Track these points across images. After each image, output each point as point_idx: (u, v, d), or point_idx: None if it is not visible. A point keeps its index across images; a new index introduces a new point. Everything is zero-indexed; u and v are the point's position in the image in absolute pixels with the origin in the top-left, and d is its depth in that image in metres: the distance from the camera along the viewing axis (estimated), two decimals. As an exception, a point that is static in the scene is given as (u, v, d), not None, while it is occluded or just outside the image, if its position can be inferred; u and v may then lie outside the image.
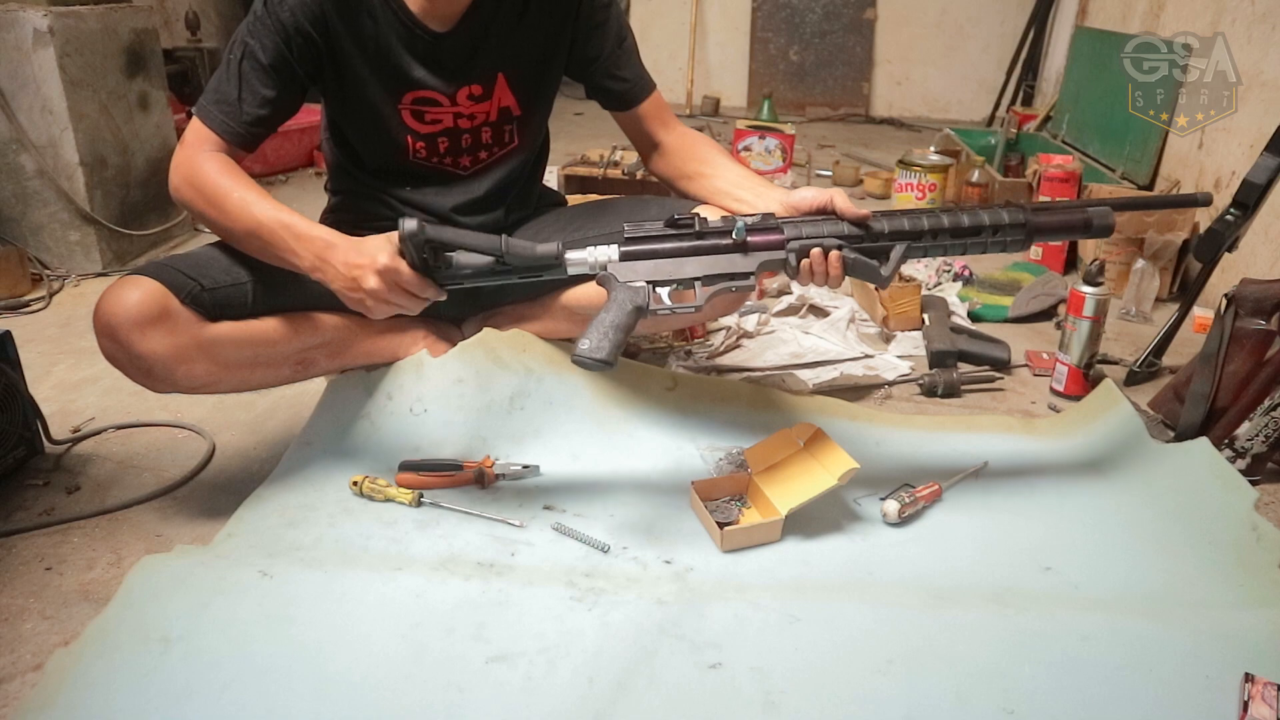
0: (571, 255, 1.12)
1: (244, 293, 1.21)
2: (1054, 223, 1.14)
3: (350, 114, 1.29)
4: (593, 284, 1.34)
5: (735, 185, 1.30)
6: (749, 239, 1.13)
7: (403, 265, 1.09)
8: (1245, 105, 2.02)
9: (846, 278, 1.15)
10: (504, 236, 1.11)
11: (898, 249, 1.12)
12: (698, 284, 1.12)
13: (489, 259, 1.11)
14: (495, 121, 1.33)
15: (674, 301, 1.13)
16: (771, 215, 1.16)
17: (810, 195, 1.18)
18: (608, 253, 1.13)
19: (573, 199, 1.68)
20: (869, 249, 1.13)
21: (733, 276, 1.13)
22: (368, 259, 1.09)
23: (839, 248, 1.12)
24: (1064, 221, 1.14)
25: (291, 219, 1.13)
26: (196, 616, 1.01)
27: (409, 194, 1.34)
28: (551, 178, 2.56)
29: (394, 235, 1.09)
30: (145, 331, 1.11)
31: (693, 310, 1.13)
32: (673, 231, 1.14)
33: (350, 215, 1.39)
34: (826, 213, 1.17)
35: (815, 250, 1.12)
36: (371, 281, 1.09)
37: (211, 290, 1.18)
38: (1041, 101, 4.05)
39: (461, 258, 1.10)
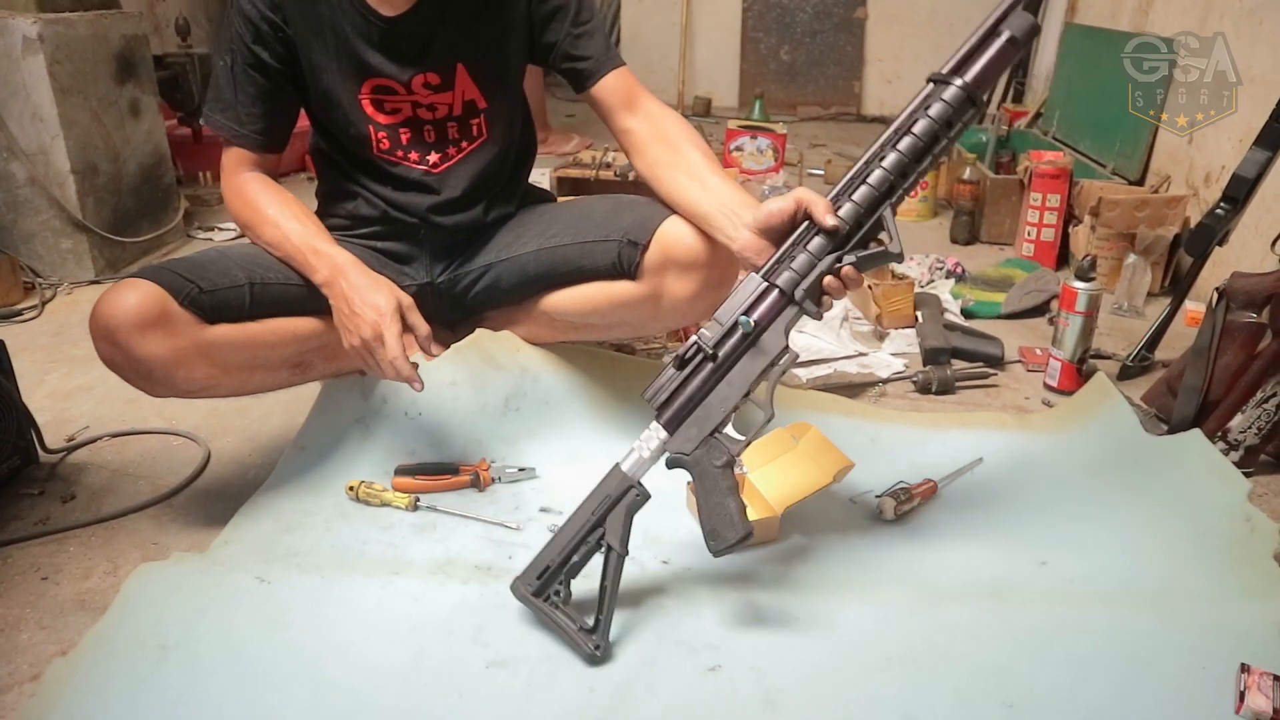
0: (626, 465, 1.02)
1: (241, 295, 1.21)
2: (986, 68, 0.99)
3: (319, 105, 1.30)
4: (571, 290, 1.34)
5: (695, 202, 1.19)
6: (757, 319, 1.01)
7: (392, 339, 1.15)
8: (1233, 100, 2.03)
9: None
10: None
11: (887, 215, 1.00)
12: (752, 395, 1.02)
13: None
14: (460, 115, 1.32)
15: (740, 430, 1.03)
16: (750, 277, 1.03)
17: (777, 209, 1.04)
18: (655, 436, 1.03)
19: (564, 202, 1.68)
20: (862, 235, 1.01)
21: (774, 362, 1.01)
22: (373, 310, 1.17)
23: (838, 259, 1.00)
24: (992, 60, 0.99)
25: (315, 239, 1.23)
26: (194, 624, 1.01)
27: (390, 194, 1.34)
28: (544, 179, 2.55)
29: (399, 302, 1.19)
30: (144, 334, 1.11)
31: (767, 420, 1.03)
32: (689, 370, 1.02)
33: (338, 219, 1.38)
34: (798, 221, 1.03)
35: (827, 280, 1.00)
36: (366, 331, 1.17)
37: (210, 293, 1.18)
38: (1032, 98, 4.05)
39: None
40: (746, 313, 1.01)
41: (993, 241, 2.60)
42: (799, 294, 1.00)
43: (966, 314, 2.03)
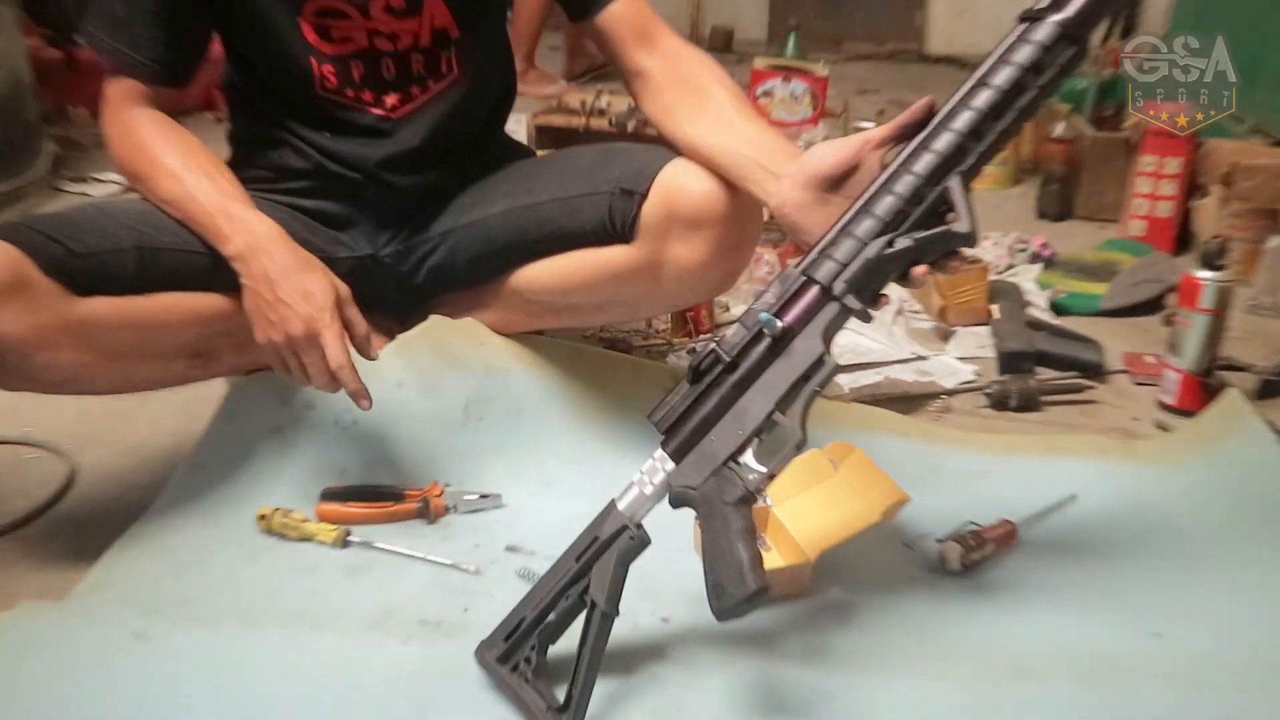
0: (624, 503, 1.03)
1: (124, 261, 1.21)
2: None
3: (243, 29, 1.30)
4: (550, 261, 1.35)
5: (721, 150, 1.20)
6: (789, 322, 0.99)
7: (334, 339, 1.16)
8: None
9: None
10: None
11: (954, 186, 0.97)
12: (778, 415, 1.01)
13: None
14: (428, 46, 1.32)
15: (763, 459, 1.01)
16: (787, 269, 1.02)
17: (831, 158, 1.05)
18: (660, 467, 1.03)
19: (544, 155, 1.67)
20: (921, 213, 0.99)
21: (808, 375, 0.99)
22: (304, 299, 1.17)
23: (890, 244, 0.97)
24: None
25: (228, 200, 1.23)
26: (46, 695, 1.00)
27: (327, 142, 1.34)
28: (520, 128, 2.54)
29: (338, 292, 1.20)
30: None
31: (797, 447, 1.00)
32: (704, 385, 1.02)
33: (257, 170, 1.38)
34: (862, 175, 1.03)
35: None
36: (295, 327, 1.17)
37: (83, 257, 1.17)
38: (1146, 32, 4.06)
39: None
40: (777, 313, 0.99)
41: (1091, 217, 2.62)
42: (839, 288, 0.98)
43: (1056, 309, 2.04)
